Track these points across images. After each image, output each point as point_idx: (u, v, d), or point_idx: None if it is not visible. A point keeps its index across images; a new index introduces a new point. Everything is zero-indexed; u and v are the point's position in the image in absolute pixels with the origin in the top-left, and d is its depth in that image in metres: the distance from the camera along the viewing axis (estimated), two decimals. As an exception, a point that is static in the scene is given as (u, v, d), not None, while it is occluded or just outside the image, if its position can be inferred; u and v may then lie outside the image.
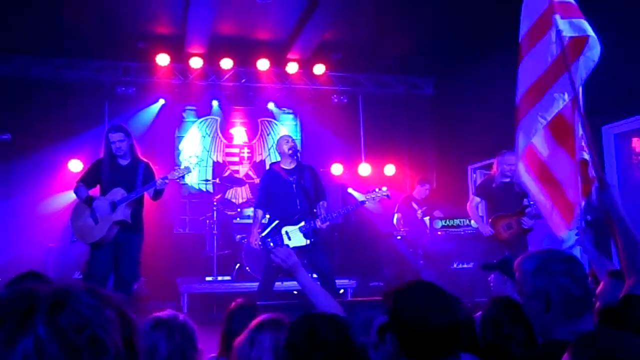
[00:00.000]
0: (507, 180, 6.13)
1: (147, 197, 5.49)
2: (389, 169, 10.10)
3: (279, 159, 6.09)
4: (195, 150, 9.97)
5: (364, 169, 10.01)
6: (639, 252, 2.17)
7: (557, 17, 3.10)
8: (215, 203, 8.51)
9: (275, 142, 6.12)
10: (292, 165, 5.81)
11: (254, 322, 2.21)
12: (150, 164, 5.59)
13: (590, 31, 3.09)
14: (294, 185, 5.73)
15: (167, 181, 5.30)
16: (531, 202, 6.01)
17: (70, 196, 6.77)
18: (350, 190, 9.78)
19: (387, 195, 5.93)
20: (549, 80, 3.13)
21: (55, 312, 0.82)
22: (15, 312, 0.81)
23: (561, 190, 3.29)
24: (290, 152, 5.76)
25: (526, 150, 3.27)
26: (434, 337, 1.77)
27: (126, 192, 5.25)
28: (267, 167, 6.62)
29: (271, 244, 5.68)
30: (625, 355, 1.13)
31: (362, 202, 6.03)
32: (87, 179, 5.48)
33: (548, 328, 1.98)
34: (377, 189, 5.94)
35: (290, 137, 6.04)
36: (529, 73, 3.26)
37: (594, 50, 3.08)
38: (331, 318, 1.98)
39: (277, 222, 5.71)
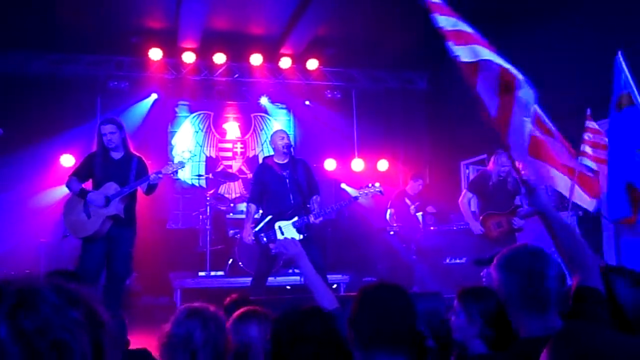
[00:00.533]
0: (501, 177, 6.17)
1: (140, 191, 5.48)
2: (382, 165, 10.12)
3: (272, 153, 6.08)
4: (188, 145, 9.95)
5: (357, 164, 10.02)
6: (579, 249, 2.25)
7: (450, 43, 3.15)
8: (208, 198, 8.50)
9: (269, 137, 6.10)
10: (286, 160, 5.80)
11: (237, 313, 2.24)
12: (143, 158, 5.57)
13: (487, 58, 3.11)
14: (287, 180, 5.72)
15: (160, 176, 5.27)
16: (522, 202, 6.06)
17: (62, 191, 6.74)
18: (343, 185, 9.79)
19: (380, 191, 5.93)
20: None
21: (18, 313, 0.78)
22: None
23: (570, 167, 3.36)
24: (285, 149, 5.76)
25: (530, 141, 3.28)
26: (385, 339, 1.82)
27: (119, 186, 5.21)
28: (260, 161, 6.61)
29: (264, 239, 5.68)
30: (607, 350, 1.13)
31: (355, 198, 6.04)
32: (79, 173, 5.43)
33: (514, 321, 2.07)
34: (370, 185, 5.94)
35: (285, 132, 6.02)
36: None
37: (525, 90, 3.09)
38: (316, 312, 2.02)
39: (270, 217, 5.70)
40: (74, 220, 5.27)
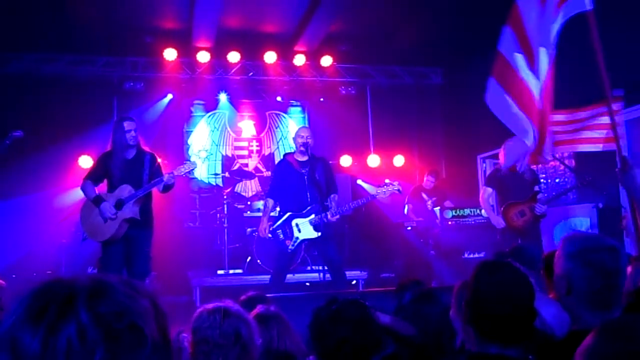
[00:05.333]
0: (515, 168, 6.12)
1: (157, 191, 5.47)
2: (398, 160, 10.08)
3: (288, 150, 6.09)
4: (204, 144, 9.99)
5: (373, 160, 9.99)
6: None
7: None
8: (225, 197, 8.53)
9: (294, 133, 6.10)
10: (305, 158, 5.81)
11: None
12: (156, 155, 5.55)
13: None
14: (305, 178, 5.73)
15: (172, 177, 5.21)
16: (542, 189, 6.00)
17: (80, 193, 6.80)
18: (359, 181, 9.77)
19: (399, 190, 5.91)
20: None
21: (95, 299, 0.83)
22: (56, 300, 0.82)
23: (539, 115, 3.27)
24: (302, 147, 5.76)
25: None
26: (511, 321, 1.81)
27: (133, 188, 5.19)
28: (281, 157, 6.61)
29: (281, 236, 5.71)
30: None
31: (373, 197, 6.03)
32: (94, 175, 5.39)
33: (571, 311, 2.02)
34: (387, 182, 5.93)
35: (306, 131, 5.94)
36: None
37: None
38: (353, 300, 2.14)
39: (288, 214, 5.73)
40: (91, 224, 5.28)
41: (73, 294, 0.83)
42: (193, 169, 5.52)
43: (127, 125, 5.27)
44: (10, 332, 0.81)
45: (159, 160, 5.63)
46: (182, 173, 5.36)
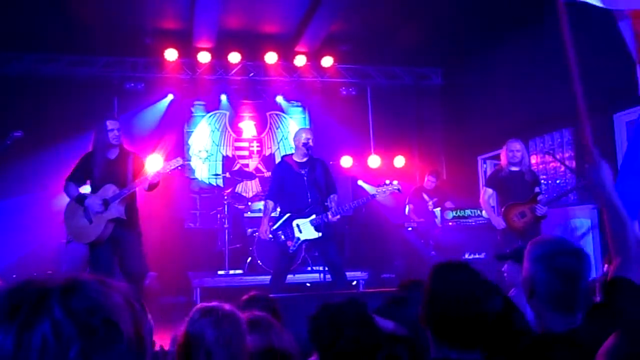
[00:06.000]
0: (517, 169, 6.12)
1: (156, 191, 5.44)
2: (399, 161, 10.08)
3: (289, 151, 6.09)
4: (205, 144, 9.99)
5: (374, 160, 9.99)
6: (627, 231, 2.15)
7: None
8: (225, 197, 8.53)
9: (294, 134, 6.09)
10: (305, 159, 5.82)
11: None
12: (138, 154, 5.49)
13: None
14: (305, 178, 5.74)
15: (158, 175, 5.15)
16: (542, 190, 5.99)
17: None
18: (360, 182, 9.77)
19: (398, 189, 5.91)
20: None
21: (68, 296, 0.83)
22: (29, 298, 0.82)
23: None
24: (304, 149, 5.76)
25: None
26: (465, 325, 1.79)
27: (118, 188, 5.12)
28: (279, 159, 6.62)
29: (282, 237, 5.71)
30: None
31: (373, 196, 6.02)
32: (76, 176, 5.29)
33: (536, 315, 2.05)
34: (387, 182, 5.93)
35: (308, 132, 5.93)
36: None
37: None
38: (349, 302, 2.05)
39: (288, 215, 5.73)
40: (75, 226, 5.19)
41: (46, 292, 0.83)
42: (180, 165, 5.40)
43: (110, 124, 5.20)
44: None
45: (143, 159, 5.56)
46: (169, 170, 5.28)
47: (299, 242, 5.69)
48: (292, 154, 5.98)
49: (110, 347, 0.82)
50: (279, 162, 6.27)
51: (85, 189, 5.38)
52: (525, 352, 1.92)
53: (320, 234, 5.64)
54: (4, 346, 0.78)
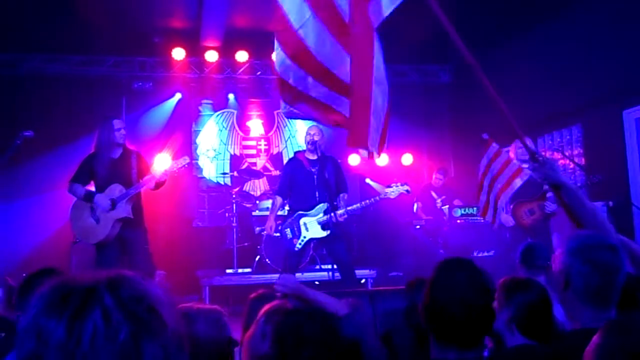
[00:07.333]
0: (526, 166, 6.09)
1: (163, 190, 5.44)
2: (407, 159, 10.05)
3: (297, 149, 6.09)
4: (213, 143, 10.01)
5: (382, 158, 9.96)
6: (585, 204, 2.29)
7: None
8: (233, 196, 8.54)
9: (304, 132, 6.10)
10: (315, 156, 5.82)
11: (261, 314, 2.15)
12: (141, 153, 5.52)
13: None
14: (315, 176, 5.74)
15: (165, 174, 5.18)
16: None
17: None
18: (368, 180, 9.75)
19: (407, 191, 5.91)
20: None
21: (116, 286, 0.89)
22: (78, 290, 0.87)
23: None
24: (309, 146, 5.77)
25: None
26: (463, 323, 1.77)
27: (124, 187, 5.14)
28: (292, 155, 6.60)
29: (289, 235, 5.71)
30: None
31: (381, 198, 6.01)
32: (80, 177, 5.31)
33: (569, 308, 2.05)
34: (396, 183, 5.92)
35: (315, 129, 5.90)
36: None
37: None
38: (317, 314, 1.95)
39: (297, 213, 5.74)
40: (82, 226, 5.21)
41: (95, 284, 0.88)
42: (186, 164, 5.43)
43: (116, 123, 5.26)
44: (34, 321, 0.86)
45: (146, 158, 5.57)
46: (176, 168, 5.32)
47: (306, 240, 5.70)
48: (304, 151, 5.99)
49: (155, 334, 0.87)
50: (291, 158, 6.25)
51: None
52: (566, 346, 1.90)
53: (327, 233, 5.64)
54: (56, 333, 0.83)
